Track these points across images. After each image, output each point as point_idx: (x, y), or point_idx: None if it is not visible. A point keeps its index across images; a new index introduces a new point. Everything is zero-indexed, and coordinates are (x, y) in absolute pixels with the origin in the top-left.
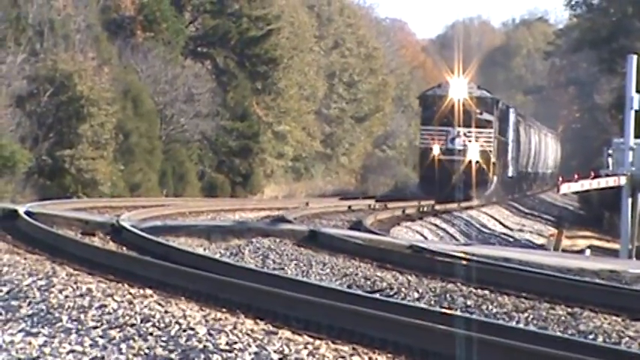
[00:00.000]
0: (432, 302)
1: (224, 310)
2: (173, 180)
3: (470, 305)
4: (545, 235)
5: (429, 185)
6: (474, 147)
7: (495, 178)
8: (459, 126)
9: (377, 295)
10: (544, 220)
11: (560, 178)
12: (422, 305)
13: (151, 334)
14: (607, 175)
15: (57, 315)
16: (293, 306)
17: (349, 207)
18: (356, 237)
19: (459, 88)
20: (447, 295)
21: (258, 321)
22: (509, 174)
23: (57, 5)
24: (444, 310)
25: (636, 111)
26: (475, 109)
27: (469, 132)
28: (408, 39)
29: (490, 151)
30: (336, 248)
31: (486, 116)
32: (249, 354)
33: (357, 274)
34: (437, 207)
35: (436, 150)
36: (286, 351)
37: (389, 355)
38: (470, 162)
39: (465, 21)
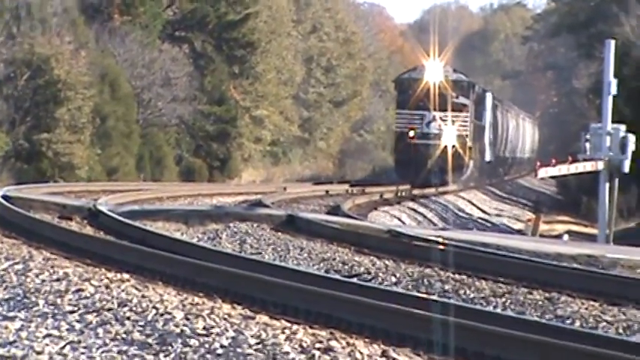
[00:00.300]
0: (410, 287)
1: (201, 294)
2: (150, 164)
3: (447, 290)
4: (523, 220)
5: (404, 170)
6: (449, 131)
7: (472, 163)
8: (435, 110)
9: (354, 280)
10: (522, 204)
11: (538, 163)
12: (399, 290)
13: (128, 318)
14: (584, 160)
15: (33, 299)
16: (270, 291)
17: (327, 192)
18: (334, 222)
19: (435, 72)
20: (425, 280)
21: (235, 306)
22: (487, 158)
23: None
24: (421, 295)
25: (614, 96)
26: (451, 93)
27: (445, 116)
28: (386, 23)
29: (466, 135)
30: (314, 233)
31: (462, 100)
32: (227, 338)
33: (334, 259)
34: (415, 192)
35: (412, 134)
36: (263, 336)
37: (366, 340)
38: (446, 146)
39: (442, 5)
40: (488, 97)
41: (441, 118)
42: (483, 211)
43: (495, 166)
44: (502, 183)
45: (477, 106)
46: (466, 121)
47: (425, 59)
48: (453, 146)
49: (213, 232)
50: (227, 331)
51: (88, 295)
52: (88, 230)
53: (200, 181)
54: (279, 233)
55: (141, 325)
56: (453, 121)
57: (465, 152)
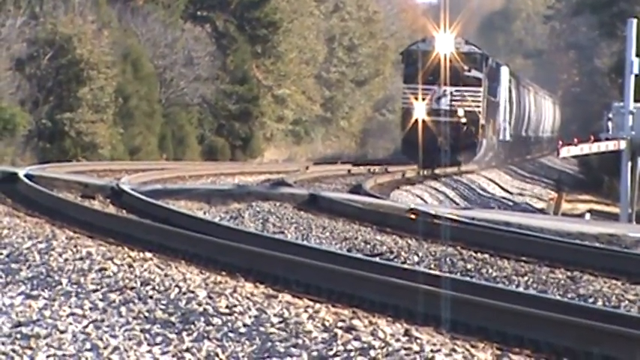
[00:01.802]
0: (432, 266)
1: (224, 273)
2: (173, 143)
3: (470, 269)
4: (545, 199)
5: (412, 149)
6: (461, 107)
7: (485, 142)
8: (445, 84)
9: (377, 259)
10: (544, 184)
11: (560, 142)
12: (422, 269)
13: (151, 297)
14: (607, 139)
15: (57, 278)
16: (293, 269)
17: (349, 171)
18: (356, 201)
19: (446, 43)
20: (448, 259)
21: (258, 284)
22: (502, 137)
23: None
24: (443, 274)
25: (636, 75)
26: (462, 66)
27: (456, 91)
28: (408, 2)
29: (479, 112)
30: (336, 212)
31: (475, 73)
32: (249, 317)
33: (356, 238)
34: (437, 171)
35: (420, 111)
36: (286, 314)
37: (389, 319)
38: (457, 123)
39: None
40: (504, 71)
41: (451, 93)
42: (506, 190)
43: (514, 145)
44: (523, 162)
45: (490, 80)
46: (478, 97)
47: (435, 30)
48: (465, 123)
49: (236, 212)
50: (250, 309)
51: (111, 274)
52: (111, 209)
53: (222, 160)
54: (302, 212)
55: (163, 304)
56: (465, 97)
57: (478, 130)
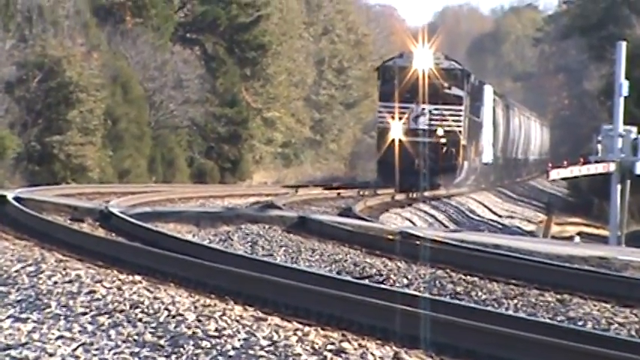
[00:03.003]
0: (422, 289)
1: (213, 296)
2: (162, 166)
3: (459, 292)
4: (534, 221)
5: (388, 171)
6: (440, 127)
7: (466, 164)
8: (424, 102)
9: (366, 282)
10: (534, 206)
11: (550, 165)
12: (411, 292)
13: (140, 320)
14: (596, 162)
15: (46, 301)
16: (282, 292)
17: (338, 193)
18: (345, 223)
19: (424, 59)
20: (437, 282)
21: (247, 307)
22: (485, 160)
23: None
24: (433, 297)
25: (625, 97)
26: (442, 83)
27: (435, 109)
28: (397, 25)
29: (459, 131)
30: (326, 234)
31: (455, 91)
32: (239, 340)
33: (346, 261)
34: (425, 194)
35: (397, 130)
36: (275, 337)
37: (378, 342)
38: (436, 144)
39: (454, 8)
40: (488, 90)
41: (430, 111)
42: (495, 213)
43: (502, 167)
44: (512, 185)
45: (473, 99)
46: (459, 116)
47: (413, 45)
48: (445, 144)
49: (225, 234)
50: (239, 332)
51: (100, 296)
52: (100, 232)
53: (211, 182)
54: (291, 235)
55: (153, 327)
56: (445, 116)
57: (459, 152)
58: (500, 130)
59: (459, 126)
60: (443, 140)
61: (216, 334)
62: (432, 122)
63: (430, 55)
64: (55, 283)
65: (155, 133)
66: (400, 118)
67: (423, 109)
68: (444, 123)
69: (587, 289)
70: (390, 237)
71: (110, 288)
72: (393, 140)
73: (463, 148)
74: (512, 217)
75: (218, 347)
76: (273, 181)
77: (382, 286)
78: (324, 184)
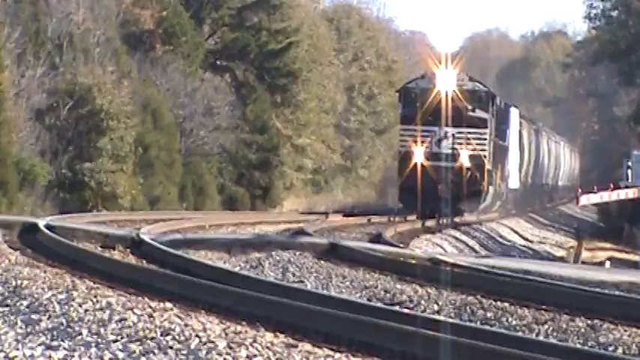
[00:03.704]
0: (452, 315)
1: (244, 323)
2: (193, 193)
3: (490, 317)
4: (565, 247)
5: (410, 197)
6: (464, 151)
7: (491, 189)
8: (447, 125)
9: (397, 308)
10: (564, 231)
11: (580, 190)
12: (441, 318)
13: (171, 347)
14: (626, 187)
15: (77, 328)
16: (313, 319)
17: (369, 220)
18: (376, 249)
19: (447, 80)
20: (467, 308)
21: (278, 334)
22: (512, 185)
23: (76, 19)
24: (463, 323)
25: None
26: (466, 105)
27: (459, 132)
28: (427, 51)
29: (484, 156)
30: (356, 261)
31: (480, 114)
32: None
33: (376, 287)
34: (456, 219)
35: (419, 154)
36: None
37: None
38: (460, 169)
39: (483, 33)
40: (514, 112)
41: (454, 135)
42: (525, 239)
43: (530, 192)
44: (543, 210)
45: (498, 122)
46: (484, 139)
47: (435, 66)
48: (469, 169)
49: (256, 261)
50: (270, 359)
51: (131, 324)
52: (131, 259)
53: (242, 209)
54: (322, 261)
55: (184, 354)
56: (469, 139)
57: (483, 176)
58: (528, 155)
59: (483, 150)
60: (467, 165)
61: None
62: (456, 146)
63: (453, 76)
64: (86, 310)
65: (186, 160)
66: (422, 142)
67: (446, 132)
68: (468, 147)
69: (617, 314)
70: (421, 263)
71: (141, 315)
72: (415, 165)
73: (488, 172)
74: (542, 243)
75: None
76: (304, 208)
77: (413, 312)
78: (342, 211)
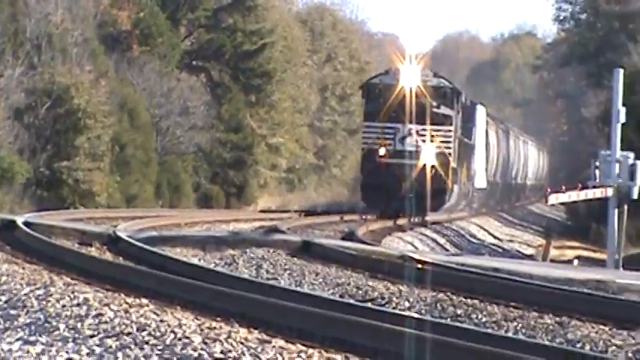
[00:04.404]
0: (423, 311)
1: (218, 319)
2: (168, 191)
3: (460, 314)
4: (534, 245)
5: (372, 195)
6: (428, 148)
7: (457, 188)
8: (411, 122)
9: (369, 305)
10: (533, 230)
11: (549, 190)
12: (413, 314)
13: (147, 342)
14: (594, 187)
15: (54, 324)
16: (286, 315)
17: (341, 217)
18: (348, 247)
19: (411, 76)
20: (438, 305)
21: (252, 330)
22: (478, 184)
23: (55, 20)
24: (435, 320)
25: (622, 124)
26: (430, 102)
27: (423, 130)
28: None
29: (449, 154)
30: (329, 258)
31: (444, 110)
32: None
33: (349, 284)
34: (427, 218)
35: (382, 152)
36: (279, 359)
37: None
38: (424, 167)
39: (454, 35)
40: (480, 111)
41: (417, 132)
42: (495, 237)
43: (499, 192)
44: (512, 209)
45: (464, 119)
46: (449, 137)
47: (400, 62)
48: (433, 167)
49: (230, 258)
50: (244, 355)
51: (108, 319)
52: (108, 256)
53: (217, 207)
54: (295, 258)
55: (159, 349)
56: (433, 137)
57: (448, 174)
58: (496, 154)
59: (448, 147)
60: (431, 163)
61: (222, 356)
62: (420, 143)
63: (418, 72)
64: (64, 306)
65: (162, 159)
66: (386, 139)
67: (410, 129)
68: (433, 144)
69: (585, 311)
70: (392, 261)
71: (117, 311)
72: (378, 162)
73: (453, 171)
74: (511, 241)
75: None
76: (277, 206)
77: (384, 309)
78: (304, 210)
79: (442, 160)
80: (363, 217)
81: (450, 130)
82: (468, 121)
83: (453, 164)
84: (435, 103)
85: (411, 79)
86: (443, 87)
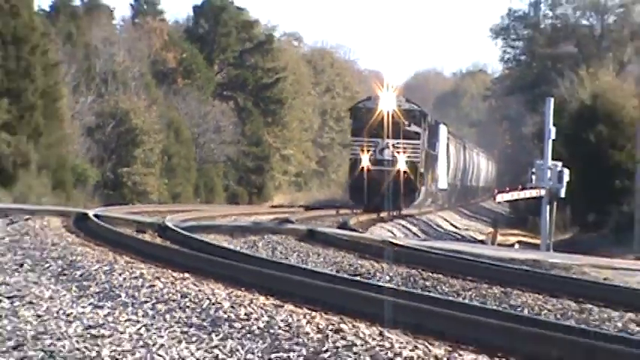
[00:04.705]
0: (399, 283)
1: (243, 288)
2: (204, 191)
3: (428, 286)
4: (484, 233)
5: (358, 195)
6: (401, 158)
7: (423, 189)
8: (388, 137)
9: (358, 278)
10: (484, 221)
11: (496, 190)
12: (392, 286)
13: (188, 307)
14: (531, 188)
15: (117, 292)
16: (295, 286)
17: (337, 211)
18: (343, 234)
19: (388, 101)
20: (411, 278)
21: (268, 297)
22: (441, 186)
23: (118, 59)
24: (409, 290)
25: (553, 140)
26: (403, 121)
27: (397, 143)
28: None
29: (417, 162)
30: (328, 243)
31: (414, 128)
32: (262, 322)
33: (343, 262)
34: (404, 212)
35: (365, 160)
36: (290, 320)
37: (367, 323)
38: (398, 172)
39: (423, 72)
40: (442, 128)
41: (393, 145)
42: (455, 227)
43: (452, 192)
44: (468, 205)
45: (430, 136)
46: (417, 149)
47: (379, 89)
48: (405, 172)
49: (252, 242)
50: (262, 316)
51: (158, 289)
52: (158, 240)
53: (242, 203)
54: (302, 243)
55: (197, 312)
56: (405, 149)
57: (416, 178)
58: (455, 162)
59: (417, 157)
60: (404, 169)
61: (245, 317)
62: (395, 154)
63: (393, 98)
64: (124, 279)
65: (199, 166)
66: (368, 151)
67: (387, 143)
68: (405, 154)
69: (524, 283)
70: (376, 244)
71: (166, 283)
72: (362, 168)
73: (421, 175)
74: (467, 230)
75: (247, 327)
76: (288, 202)
77: (370, 281)
78: (306, 205)
79: (412, 167)
80: (354, 211)
81: (418, 144)
82: (433, 137)
83: (421, 170)
84: (406, 123)
85: (388, 104)
86: (413, 110)
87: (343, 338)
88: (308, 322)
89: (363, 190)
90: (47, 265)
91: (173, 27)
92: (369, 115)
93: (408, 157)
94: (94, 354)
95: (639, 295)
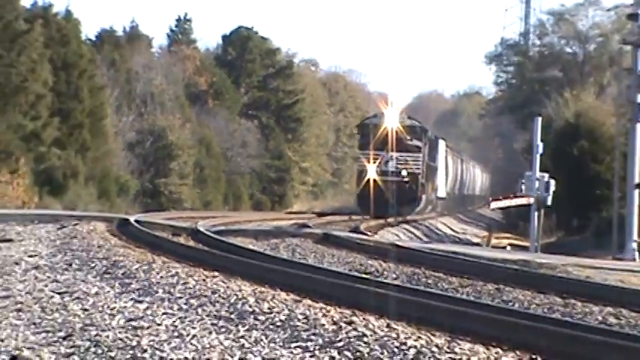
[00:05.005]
0: (404, 281)
1: (266, 285)
2: (232, 199)
3: (430, 283)
4: (479, 236)
5: (365, 203)
6: (404, 169)
7: (424, 197)
8: (392, 151)
9: (368, 276)
10: (479, 226)
11: (490, 198)
12: (398, 283)
13: (217, 301)
14: (521, 197)
15: (155, 289)
16: (312, 283)
17: (350, 217)
18: (354, 237)
19: (393, 118)
20: (415, 276)
21: (289, 293)
22: (440, 194)
23: (156, 82)
24: (413, 287)
25: (540, 154)
26: (406, 136)
27: (400, 156)
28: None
29: (419, 173)
30: (341, 245)
31: (416, 142)
32: (283, 315)
33: (354, 262)
34: (408, 217)
35: (371, 172)
36: (308, 313)
37: (376, 316)
38: (401, 182)
39: (425, 94)
40: (441, 143)
41: (397, 158)
42: (453, 231)
43: (451, 200)
44: (465, 212)
45: (430, 149)
46: (419, 161)
47: (384, 107)
48: (407, 182)
49: (274, 244)
50: (284, 310)
51: (191, 286)
52: (191, 243)
53: (265, 210)
54: (318, 245)
55: (226, 306)
56: (407, 161)
57: (418, 188)
58: (453, 173)
59: (418, 169)
60: (406, 179)
61: (269, 310)
62: (398, 166)
63: (397, 116)
64: (162, 277)
65: (228, 177)
66: (374, 162)
67: (392, 155)
68: (407, 166)
69: (515, 281)
70: (384, 246)
71: (198, 280)
72: (368, 179)
73: (422, 185)
74: (464, 233)
75: (270, 319)
76: (307, 209)
77: (379, 279)
78: (320, 213)
79: (414, 178)
80: (364, 217)
81: (419, 157)
82: (433, 150)
83: (422, 180)
84: (409, 137)
85: (392, 121)
86: (415, 126)
87: (355, 329)
88: (324, 315)
89: (370, 199)
90: (93, 264)
91: (204, 54)
92: (375, 130)
93: (410, 168)
94: (134, 343)
95: (617, 291)
